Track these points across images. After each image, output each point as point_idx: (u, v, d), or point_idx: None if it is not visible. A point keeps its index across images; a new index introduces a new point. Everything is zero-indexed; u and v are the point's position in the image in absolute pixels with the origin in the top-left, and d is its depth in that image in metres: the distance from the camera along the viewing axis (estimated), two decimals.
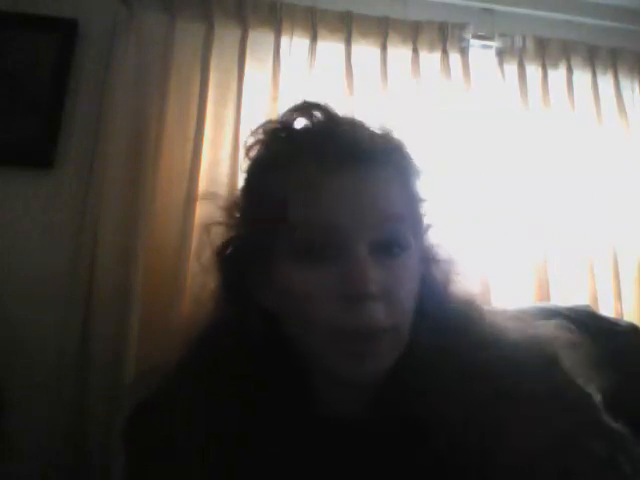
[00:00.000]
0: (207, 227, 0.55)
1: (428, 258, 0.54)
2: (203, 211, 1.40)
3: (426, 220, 0.54)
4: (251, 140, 0.54)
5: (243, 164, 0.56)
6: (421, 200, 0.53)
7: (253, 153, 0.54)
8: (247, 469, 0.48)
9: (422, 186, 0.54)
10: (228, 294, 0.53)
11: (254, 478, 0.48)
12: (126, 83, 1.43)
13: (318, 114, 0.52)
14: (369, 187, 0.47)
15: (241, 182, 1.56)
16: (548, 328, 0.51)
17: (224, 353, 0.51)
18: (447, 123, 1.52)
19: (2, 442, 1.23)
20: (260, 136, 0.54)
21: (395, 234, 0.47)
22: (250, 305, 0.50)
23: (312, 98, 0.54)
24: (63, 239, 1.39)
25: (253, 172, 0.53)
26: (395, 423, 0.47)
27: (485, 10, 1.72)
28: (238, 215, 0.54)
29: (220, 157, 1.45)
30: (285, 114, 0.53)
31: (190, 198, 1.38)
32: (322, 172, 0.46)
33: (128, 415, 0.55)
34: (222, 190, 1.42)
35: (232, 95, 1.48)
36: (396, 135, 0.53)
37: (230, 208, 0.54)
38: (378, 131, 0.52)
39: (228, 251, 0.54)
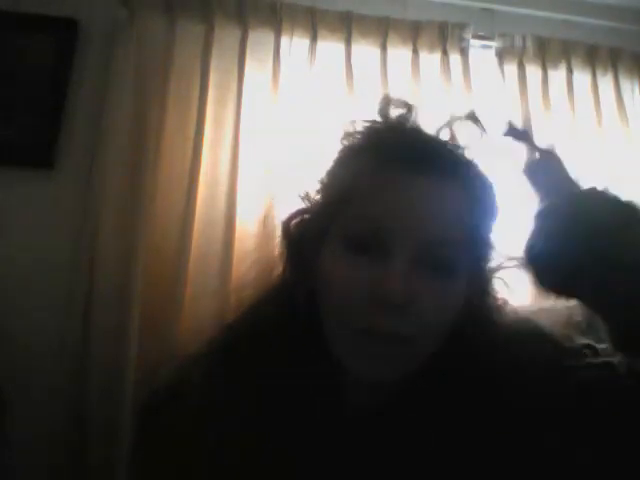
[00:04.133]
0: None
1: (481, 288, 0.52)
2: (204, 212, 1.41)
3: (491, 249, 0.52)
4: (347, 129, 0.54)
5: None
6: (488, 228, 0.52)
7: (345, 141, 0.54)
8: (266, 458, 0.48)
9: (494, 216, 0.52)
10: (288, 263, 0.54)
11: (275, 467, 0.48)
12: (126, 83, 1.43)
13: (407, 116, 0.52)
14: (433, 201, 0.47)
15: (241, 182, 1.56)
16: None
17: (259, 329, 0.52)
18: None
19: (2, 439, 1.23)
20: (353, 127, 0.54)
21: (442, 257, 0.46)
22: (301, 278, 0.51)
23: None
24: (63, 239, 1.39)
25: (337, 158, 0.54)
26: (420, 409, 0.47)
27: (485, 10, 1.72)
28: (316, 191, 0.55)
29: (220, 157, 1.45)
30: (381, 108, 0.54)
31: (190, 198, 1.38)
32: (391, 173, 0.47)
33: (140, 406, 0.55)
34: (222, 190, 1.42)
35: (232, 95, 1.48)
36: (469, 155, 0.52)
37: (316, 191, 0.55)
38: (455, 148, 0.51)
39: (295, 221, 0.55)
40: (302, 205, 0.55)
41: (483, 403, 0.46)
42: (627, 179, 1.64)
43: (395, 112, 0.53)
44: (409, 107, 0.53)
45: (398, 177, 0.47)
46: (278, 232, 0.55)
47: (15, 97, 1.45)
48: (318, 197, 0.54)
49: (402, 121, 0.52)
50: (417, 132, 0.51)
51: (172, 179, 1.43)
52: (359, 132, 0.53)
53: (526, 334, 0.51)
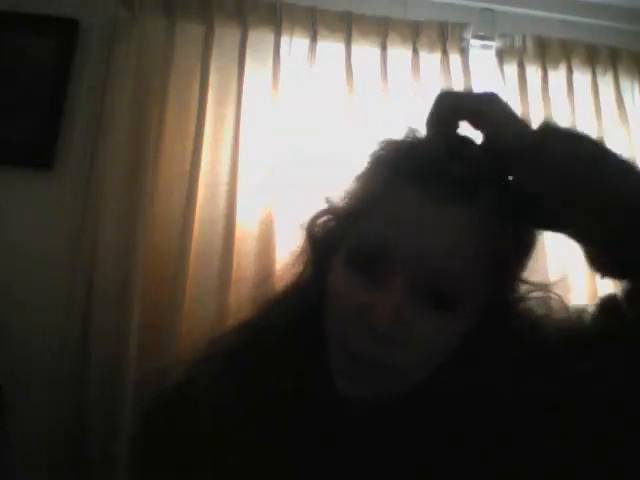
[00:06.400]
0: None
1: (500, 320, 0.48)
2: (204, 212, 1.41)
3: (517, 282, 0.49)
4: (381, 139, 0.52)
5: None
6: (515, 264, 0.48)
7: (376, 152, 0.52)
8: (270, 459, 0.48)
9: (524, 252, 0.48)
10: (310, 261, 0.54)
11: (288, 469, 0.48)
12: (126, 83, 1.43)
13: (438, 137, 0.48)
14: (441, 230, 0.43)
15: (241, 182, 1.56)
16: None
17: (267, 337, 0.51)
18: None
19: (2, 438, 1.23)
20: (386, 138, 0.52)
21: (442, 289, 0.43)
22: (318, 278, 0.51)
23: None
24: (63, 239, 1.39)
25: (364, 168, 0.52)
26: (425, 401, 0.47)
27: (485, 10, 1.72)
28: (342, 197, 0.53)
29: (220, 157, 1.45)
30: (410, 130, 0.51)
31: (190, 198, 1.38)
32: (402, 194, 0.45)
33: (143, 408, 0.55)
34: (222, 190, 1.43)
35: (232, 95, 1.48)
36: (503, 175, 0.46)
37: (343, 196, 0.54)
38: (484, 170, 0.45)
39: (320, 220, 0.54)
40: (325, 205, 0.54)
41: (484, 403, 0.46)
42: None
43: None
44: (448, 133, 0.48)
45: (409, 199, 0.44)
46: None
47: (15, 97, 1.45)
48: (343, 203, 0.52)
49: (429, 140, 0.48)
50: (442, 154, 0.46)
51: (172, 179, 1.43)
52: (386, 145, 0.50)
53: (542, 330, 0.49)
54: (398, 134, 0.51)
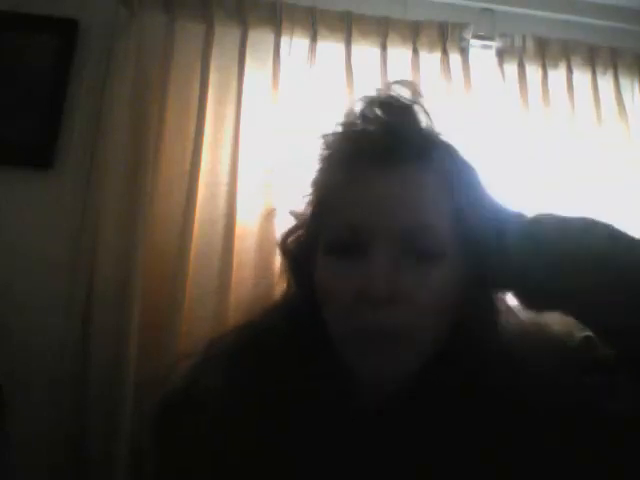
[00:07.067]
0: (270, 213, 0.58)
1: (480, 280, 0.49)
2: (204, 212, 1.41)
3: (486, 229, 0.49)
4: (319, 143, 0.54)
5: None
6: (475, 208, 0.49)
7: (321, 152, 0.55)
8: (281, 460, 0.48)
9: (479, 195, 0.50)
10: (292, 279, 0.55)
11: (289, 469, 0.48)
12: (126, 83, 1.43)
13: (371, 109, 0.51)
14: (401, 190, 0.46)
15: (241, 182, 1.56)
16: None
17: (268, 338, 0.52)
18: (447, 123, 1.51)
19: (2, 439, 1.23)
20: (326, 135, 0.54)
21: (423, 243, 0.46)
22: (305, 292, 0.51)
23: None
24: (63, 239, 1.39)
25: (316, 171, 0.55)
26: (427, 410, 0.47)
27: (485, 10, 1.72)
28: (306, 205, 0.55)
29: (220, 157, 1.45)
30: (347, 113, 0.53)
31: (190, 198, 1.38)
32: (358, 172, 0.47)
33: (153, 411, 0.55)
34: (222, 190, 1.43)
35: (232, 95, 1.48)
36: (448, 138, 0.51)
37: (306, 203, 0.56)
38: (430, 130, 0.51)
39: (291, 238, 0.56)
40: (296, 218, 0.56)
41: (487, 407, 0.46)
42: (627, 178, 1.64)
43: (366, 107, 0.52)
44: (375, 101, 0.52)
45: (364, 174, 0.47)
46: (278, 232, 0.56)
47: (15, 97, 1.45)
48: (307, 210, 0.54)
49: (365, 116, 0.51)
50: (381, 123, 0.50)
51: (172, 179, 1.43)
52: (330, 140, 0.53)
53: (532, 339, 0.51)
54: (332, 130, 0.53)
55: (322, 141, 0.54)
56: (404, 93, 0.52)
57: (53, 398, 1.27)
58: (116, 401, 1.26)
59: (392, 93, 0.52)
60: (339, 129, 0.53)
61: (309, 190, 0.54)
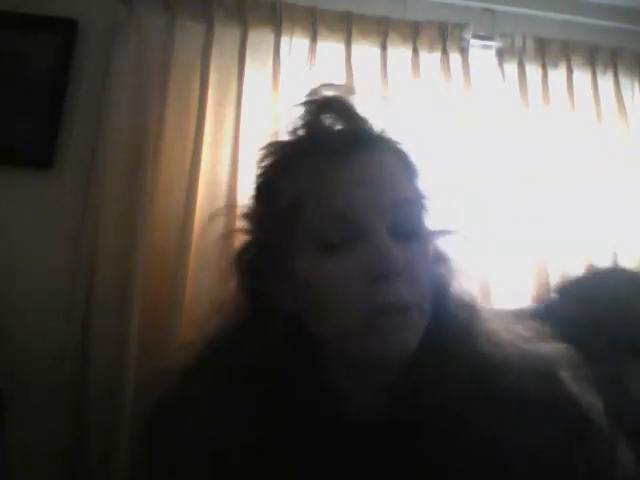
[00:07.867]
0: (226, 235, 0.57)
1: (432, 253, 0.53)
2: (204, 212, 1.41)
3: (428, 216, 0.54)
4: (261, 150, 0.56)
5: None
6: (422, 194, 0.53)
7: (264, 162, 0.55)
8: (267, 470, 0.47)
9: (421, 181, 0.54)
10: (248, 298, 0.54)
11: (276, 471, 0.48)
12: (126, 83, 1.43)
13: (319, 108, 0.53)
14: (377, 172, 0.49)
15: (241, 182, 1.56)
16: (549, 346, 0.51)
17: (244, 355, 0.51)
18: (447, 123, 1.52)
19: (2, 442, 1.23)
20: (268, 145, 0.56)
21: (410, 217, 0.49)
22: (270, 308, 0.51)
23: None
24: (63, 239, 1.39)
25: (265, 177, 0.55)
26: (407, 423, 0.47)
27: (485, 10, 1.72)
28: (254, 220, 0.55)
29: (220, 157, 1.45)
30: (290, 120, 0.55)
31: (190, 198, 1.38)
32: (330, 164, 0.48)
33: (145, 415, 0.55)
34: (222, 190, 1.42)
35: (232, 95, 1.48)
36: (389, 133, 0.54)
37: (247, 214, 0.55)
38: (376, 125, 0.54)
39: (246, 256, 0.55)
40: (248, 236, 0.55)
41: (482, 416, 0.46)
42: (627, 177, 1.64)
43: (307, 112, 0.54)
44: (317, 102, 0.53)
45: (340, 164, 0.48)
46: None
47: (15, 97, 1.45)
48: (257, 224, 0.54)
49: (317, 116, 0.53)
50: (337, 120, 0.52)
51: (172, 179, 1.43)
52: (273, 149, 0.55)
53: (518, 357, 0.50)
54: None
55: (266, 149, 0.55)
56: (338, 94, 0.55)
57: (53, 401, 1.26)
58: (116, 404, 1.26)
59: (327, 94, 0.54)
60: (288, 134, 0.55)
61: (256, 202, 0.54)
